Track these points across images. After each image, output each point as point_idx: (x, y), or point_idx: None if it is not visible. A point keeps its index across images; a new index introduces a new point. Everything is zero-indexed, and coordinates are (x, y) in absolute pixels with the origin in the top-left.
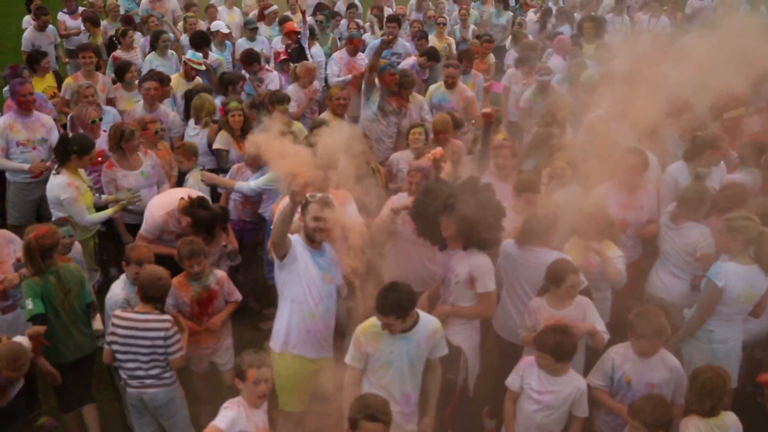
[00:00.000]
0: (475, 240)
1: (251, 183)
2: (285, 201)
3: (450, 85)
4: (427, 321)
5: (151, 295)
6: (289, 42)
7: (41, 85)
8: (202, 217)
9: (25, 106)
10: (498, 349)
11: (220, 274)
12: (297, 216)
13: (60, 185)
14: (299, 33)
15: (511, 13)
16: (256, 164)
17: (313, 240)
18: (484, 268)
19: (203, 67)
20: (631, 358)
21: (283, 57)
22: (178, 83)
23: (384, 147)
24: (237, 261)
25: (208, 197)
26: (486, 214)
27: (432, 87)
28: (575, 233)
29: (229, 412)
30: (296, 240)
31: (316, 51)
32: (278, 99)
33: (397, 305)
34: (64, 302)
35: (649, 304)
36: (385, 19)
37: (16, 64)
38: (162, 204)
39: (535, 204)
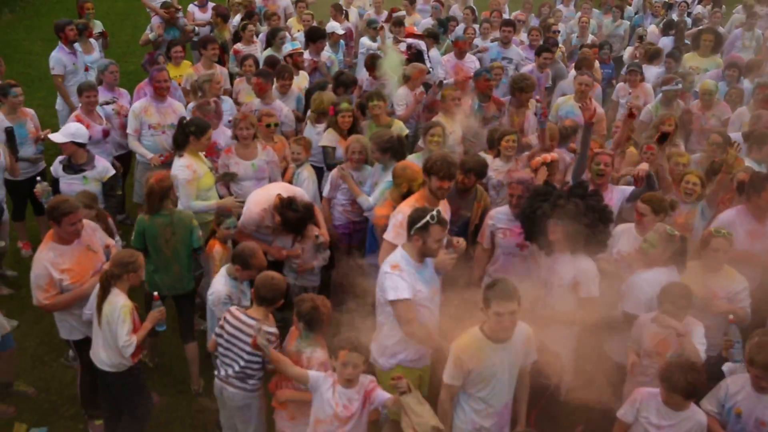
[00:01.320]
0: (583, 244)
1: (370, 199)
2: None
3: (581, 97)
4: (521, 328)
5: (263, 295)
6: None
7: (175, 73)
8: (289, 218)
9: (160, 92)
10: (605, 371)
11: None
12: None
13: (180, 166)
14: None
15: (628, 23)
16: (360, 161)
17: (425, 257)
18: (590, 273)
19: (299, 46)
20: (746, 390)
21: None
22: None
23: None
24: (325, 254)
25: (316, 193)
26: (594, 218)
27: (560, 99)
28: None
29: (317, 372)
30: (403, 259)
31: (434, 54)
32: (368, 96)
33: (515, 289)
34: (169, 242)
35: None
36: (501, 24)
37: (153, 51)
38: (259, 200)
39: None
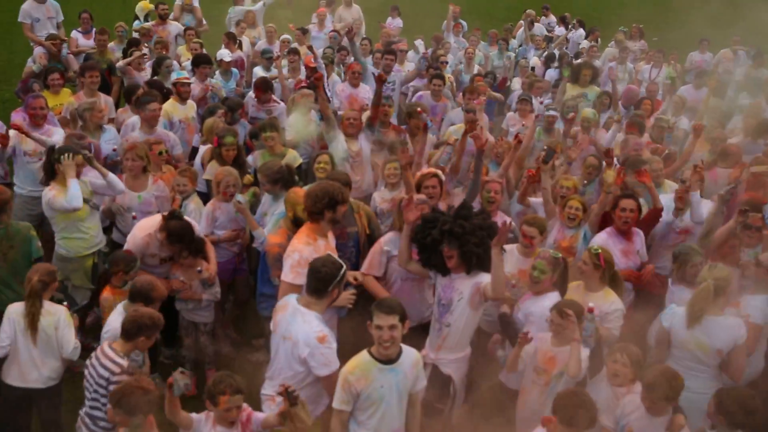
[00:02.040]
0: (477, 262)
1: (265, 232)
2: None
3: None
4: (410, 351)
5: (124, 327)
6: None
7: (54, 102)
8: (173, 228)
9: (35, 120)
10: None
11: None
12: None
13: (44, 194)
14: (316, 67)
15: (513, 54)
16: (233, 194)
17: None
18: (488, 278)
19: (191, 81)
20: (641, 411)
21: (303, 85)
22: (174, 108)
23: None
24: (214, 289)
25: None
26: (483, 236)
27: (452, 128)
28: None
29: (199, 415)
30: (322, 323)
31: (334, 80)
32: (261, 127)
33: (399, 306)
34: (7, 255)
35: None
36: (383, 52)
37: (27, 78)
38: (144, 225)
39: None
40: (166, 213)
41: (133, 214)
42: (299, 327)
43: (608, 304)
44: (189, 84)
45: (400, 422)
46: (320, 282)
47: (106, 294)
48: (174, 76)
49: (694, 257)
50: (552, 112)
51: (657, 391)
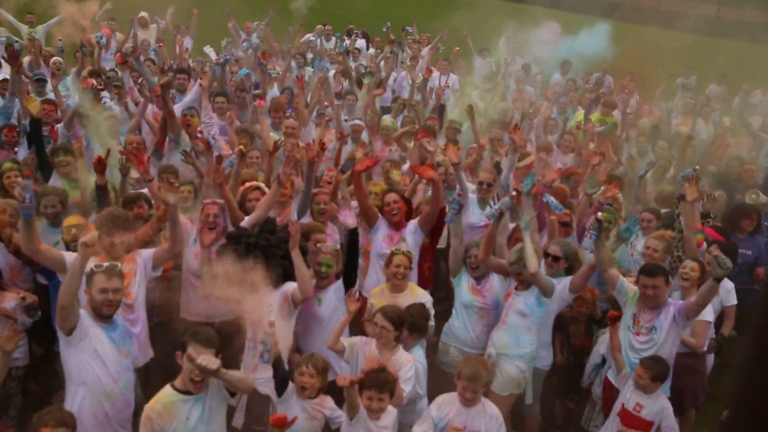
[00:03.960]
0: (284, 274)
1: None
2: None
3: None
4: None
5: None
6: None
7: None
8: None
9: None
10: None
11: None
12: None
13: None
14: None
15: (312, 69)
16: (14, 225)
17: (101, 314)
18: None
19: None
20: (456, 407)
21: None
22: None
23: None
24: (36, 316)
25: None
26: (287, 249)
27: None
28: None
29: None
30: (84, 314)
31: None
32: (53, 151)
33: (216, 338)
34: None
35: None
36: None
37: None
38: None
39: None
40: None
41: None
42: None
43: (420, 298)
44: None
45: None
46: None
47: None
48: None
49: (471, 249)
50: (357, 122)
51: (481, 378)
